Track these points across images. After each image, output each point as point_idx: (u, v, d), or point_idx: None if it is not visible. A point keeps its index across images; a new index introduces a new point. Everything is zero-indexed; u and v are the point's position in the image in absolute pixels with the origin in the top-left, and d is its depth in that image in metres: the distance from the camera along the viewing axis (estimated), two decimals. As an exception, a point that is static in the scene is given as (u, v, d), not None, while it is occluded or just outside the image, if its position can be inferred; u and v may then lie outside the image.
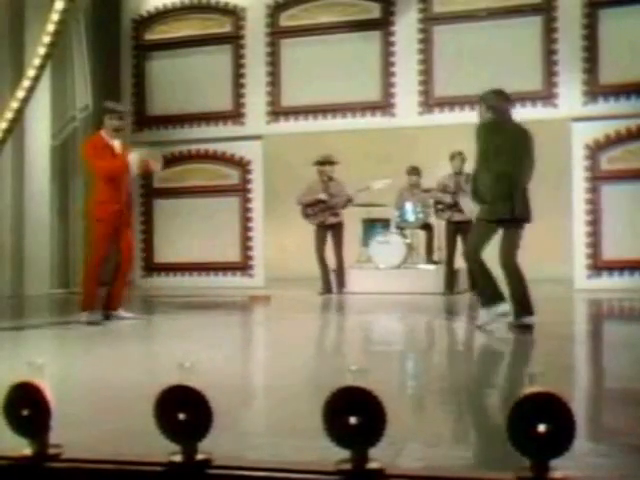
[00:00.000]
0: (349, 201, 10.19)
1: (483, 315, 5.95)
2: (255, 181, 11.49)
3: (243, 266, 11.50)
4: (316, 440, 1.99)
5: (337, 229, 10.18)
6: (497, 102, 6.04)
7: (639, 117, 9.86)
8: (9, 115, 7.88)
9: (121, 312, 6.86)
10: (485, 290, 5.98)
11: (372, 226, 10.72)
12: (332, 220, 10.13)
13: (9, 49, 10.11)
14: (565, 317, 7.57)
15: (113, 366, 4.48)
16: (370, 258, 10.35)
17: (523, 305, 5.78)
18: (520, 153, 5.97)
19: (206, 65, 11.58)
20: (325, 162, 10.21)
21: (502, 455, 2.33)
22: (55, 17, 7.74)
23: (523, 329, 5.67)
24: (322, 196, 10.09)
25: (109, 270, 6.90)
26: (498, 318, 5.80)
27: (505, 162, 5.89)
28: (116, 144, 6.79)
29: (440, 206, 9.95)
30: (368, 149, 12.48)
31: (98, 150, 6.70)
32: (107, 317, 6.76)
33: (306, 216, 10.21)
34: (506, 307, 5.82)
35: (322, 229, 10.18)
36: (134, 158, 6.70)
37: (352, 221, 10.60)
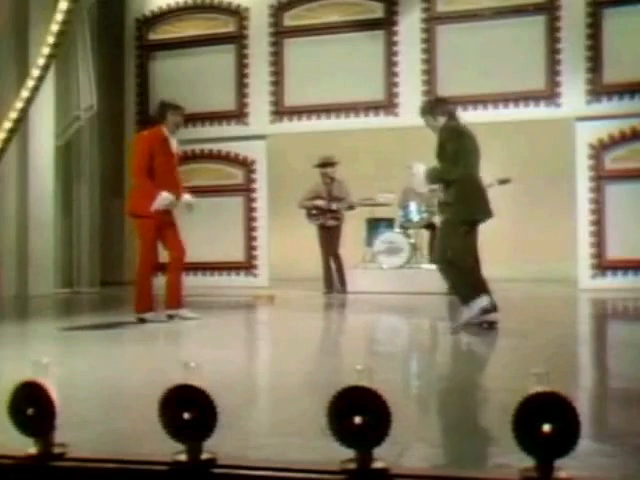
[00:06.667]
0: (351, 208, 10.27)
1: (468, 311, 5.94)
2: (259, 181, 11.50)
3: (247, 266, 11.51)
4: (321, 440, 1.99)
5: (336, 231, 10.21)
6: (449, 108, 6.14)
7: (643, 116, 9.88)
8: (13, 115, 7.87)
9: (184, 312, 6.75)
10: (471, 284, 6.01)
11: (376, 226, 10.70)
12: (332, 223, 10.17)
13: (14, 49, 10.13)
14: (569, 317, 7.57)
15: (117, 365, 4.48)
16: (374, 258, 10.34)
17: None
18: (479, 156, 6.09)
19: (210, 65, 11.58)
20: (326, 164, 10.20)
21: (507, 455, 2.33)
22: (59, 17, 7.73)
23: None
24: (320, 203, 10.11)
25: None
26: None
27: (474, 164, 5.99)
28: (173, 142, 6.76)
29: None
30: (371, 149, 12.47)
31: (158, 143, 6.58)
32: (170, 317, 6.67)
33: (309, 217, 10.26)
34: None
35: (323, 230, 10.21)
36: (186, 200, 6.87)
37: (356, 221, 10.60)
